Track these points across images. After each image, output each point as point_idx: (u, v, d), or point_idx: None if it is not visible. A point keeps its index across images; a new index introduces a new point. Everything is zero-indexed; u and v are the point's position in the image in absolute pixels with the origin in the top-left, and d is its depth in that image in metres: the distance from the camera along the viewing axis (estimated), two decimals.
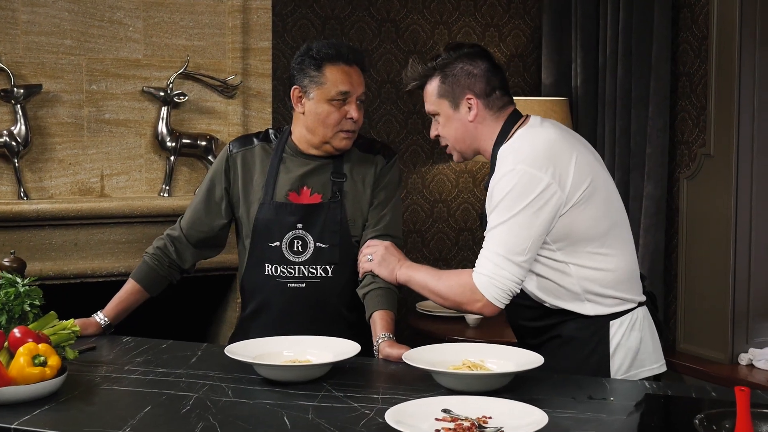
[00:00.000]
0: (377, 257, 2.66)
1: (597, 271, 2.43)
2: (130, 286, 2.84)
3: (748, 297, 4.00)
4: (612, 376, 2.43)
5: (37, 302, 2.41)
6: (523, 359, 2.26)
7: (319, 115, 2.74)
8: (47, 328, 2.33)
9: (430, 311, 4.29)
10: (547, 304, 2.48)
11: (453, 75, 2.52)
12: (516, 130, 2.50)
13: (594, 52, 4.51)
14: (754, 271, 4.00)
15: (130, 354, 2.56)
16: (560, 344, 2.47)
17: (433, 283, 2.51)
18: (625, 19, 4.28)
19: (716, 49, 3.98)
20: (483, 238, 2.44)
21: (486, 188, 2.51)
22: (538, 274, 2.45)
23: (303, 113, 2.77)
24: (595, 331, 2.45)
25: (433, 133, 2.63)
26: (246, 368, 2.33)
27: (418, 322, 4.26)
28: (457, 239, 4.82)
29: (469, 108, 2.52)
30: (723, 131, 3.96)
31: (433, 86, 2.55)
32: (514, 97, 4.38)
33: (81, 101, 3.58)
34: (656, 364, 2.50)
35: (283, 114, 4.35)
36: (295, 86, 2.78)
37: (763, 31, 3.91)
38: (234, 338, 2.85)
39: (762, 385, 3.74)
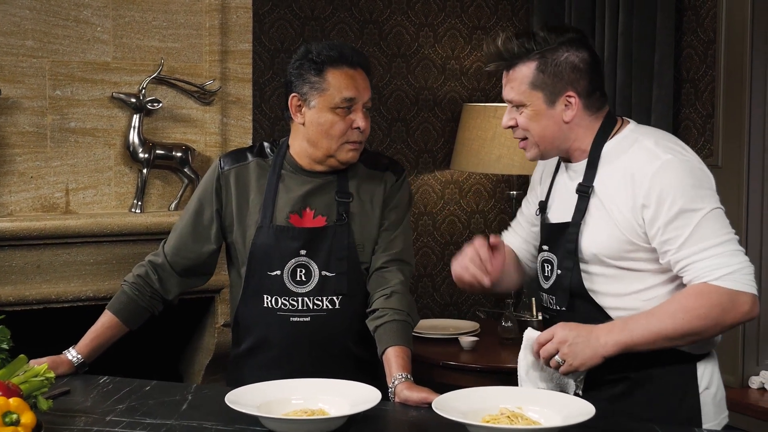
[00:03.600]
0: (565, 348, 2.07)
1: None
2: (106, 318, 2.53)
3: (759, 316, 3.78)
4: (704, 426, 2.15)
5: (5, 345, 2.09)
6: (569, 408, 1.98)
7: (321, 125, 2.45)
8: (16, 376, 2.01)
9: (420, 333, 4.02)
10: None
11: (555, 64, 2.14)
12: (620, 129, 2.20)
13: None
14: (765, 290, 3.78)
15: (111, 400, 2.24)
16: (631, 388, 2.16)
17: (671, 323, 2.03)
18: (625, 22, 4.04)
19: (724, 53, 3.77)
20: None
21: (581, 192, 2.17)
22: (637, 290, 2.14)
23: (303, 124, 2.48)
24: (683, 373, 2.15)
25: (508, 122, 2.23)
26: (247, 417, 2.04)
27: None
28: (442, 254, 4.55)
29: (567, 106, 2.17)
30: (732, 141, 3.76)
31: (527, 72, 2.15)
32: (500, 104, 4.22)
33: (44, 108, 3.25)
34: (725, 413, 2.24)
35: (260, 122, 4.05)
36: (293, 94, 2.48)
37: None
38: (229, 379, 2.55)
39: None
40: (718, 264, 2.03)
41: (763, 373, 3.75)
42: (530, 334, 2.18)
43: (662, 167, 2.08)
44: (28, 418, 1.83)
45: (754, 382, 3.74)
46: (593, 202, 2.17)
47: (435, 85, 4.47)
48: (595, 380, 2.17)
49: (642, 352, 2.10)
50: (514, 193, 4.34)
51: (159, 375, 2.96)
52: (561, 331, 2.08)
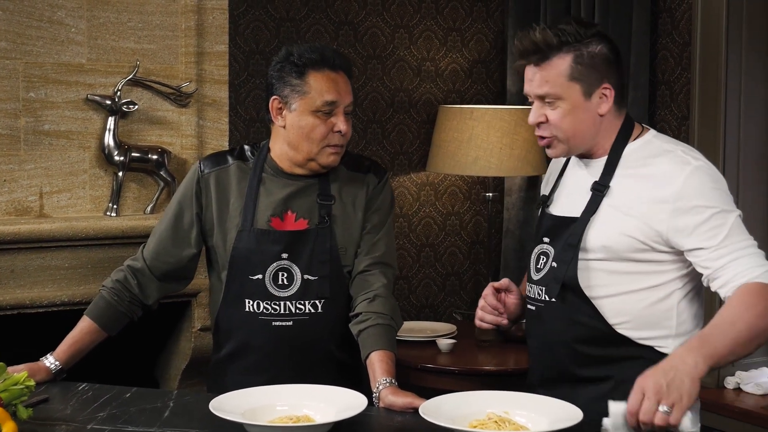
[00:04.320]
0: (664, 394, 1.84)
1: (693, 305, 2.18)
2: (85, 324, 2.49)
3: None
4: None
5: None
6: (557, 412, 1.97)
7: (302, 128, 2.43)
8: None
9: (397, 336, 4.00)
10: (621, 330, 2.15)
11: (591, 56, 2.13)
12: (641, 133, 2.22)
13: None
14: None
15: (91, 407, 2.21)
16: (614, 388, 2.15)
17: (743, 326, 1.95)
18: (601, 24, 4.05)
19: (700, 55, 3.79)
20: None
21: (596, 190, 2.17)
22: (632, 290, 2.16)
23: (284, 127, 2.46)
24: None
25: (537, 119, 2.19)
26: (232, 424, 2.01)
27: None
28: (418, 256, 4.54)
29: (602, 99, 2.16)
30: (707, 143, 3.77)
31: (563, 64, 2.13)
32: (476, 106, 4.22)
33: (17, 110, 3.20)
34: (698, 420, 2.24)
35: (236, 124, 4.02)
36: (274, 97, 2.46)
37: (751, 35, 3.74)
38: (210, 384, 2.52)
39: (750, 410, 3.57)
40: (755, 263, 2.05)
41: (738, 373, 3.77)
42: (617, 409, 1.88)
43: (694, 171, 2.11)
44: (9, 428, 1.81)
45: (730, 382, 3.76)
46: (607, 201, 2.17)
47: (410, 87, 4.46)
48: (581, 380, 2.17)
49: (624, 355, 2.12)
50: (490, 194, 4.33)
51: (134, 380, 2.93)
52: (648, 381, 1.86)
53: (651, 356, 2.15)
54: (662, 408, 1.83)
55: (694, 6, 3.80)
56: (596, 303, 2.17)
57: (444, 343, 3.85)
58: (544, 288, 2.24)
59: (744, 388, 3.72)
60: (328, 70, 2.45)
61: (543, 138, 2.22)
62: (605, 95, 2.16)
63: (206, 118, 3.46)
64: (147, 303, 2.55)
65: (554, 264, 2.21)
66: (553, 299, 2.21)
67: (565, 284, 2.19)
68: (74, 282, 3.23)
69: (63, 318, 2.88)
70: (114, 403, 2.23)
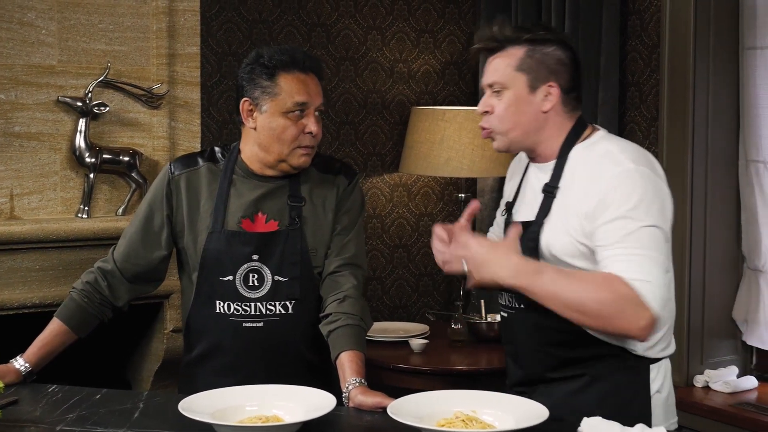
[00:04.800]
0: (474, 258, 2.05)
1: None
2: (54, 326, 2.49)
3: (703, 316, 3.85)
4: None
5: None
6: (523, 411, 2.00)
7: (273, 130, 2.44)
8: None
9: (370, 336, 3.99)
10: (591, 331, 2.15)
11: (543, 53, 2.19)
12: (590, 135, 2.23)
13: None
14: (709, 290, 3.85)
15: (60, 409, 2.21)
16: (587, 384, 2.20)
17: (572, 292, 1.97)
18: (571, 26, 4.08)
19: (668, 57, 3.82)
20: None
21: (546, 192, 2.20)
22: None
23: (255, 128, 2.47)
24: (636, 374, 2.19)
25: (483, 107, 2.25)
26: (201, 425, 2.02)
27: None
28: (391, 256, 4.56)
29: (547, 96, 2.20)
30: (676, 144, 3.81)
31: (515, 54, 2.20)
32: (448, 107, 4.24)
33: None
34: (675, 418, 2.28)
35: (208, 126, 4.02)
36: (244, 98, 2.47)
37: (719, 38, 3.77)
38: (181, 386, 2.52)
39: (718, 408, 3.60)
40: (640, 269, 1.99)
41: (707, 371, 3.80)
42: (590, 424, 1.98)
43: (621, 173, 2.10)
44: None
45: (699, 380, 3.79)
46: (557, 202, 2.20)
47: (383, 89, 4.47)
48: (555, 377, 2.21)
49: (595, 354, 2.14)
50: (463, 195, 4.36)
51: (106, 382, 2.92)
52: (477, 248, 2.06)
53: (622, 354, 2.18)
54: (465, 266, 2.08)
55: (663, 8, 3.83)
56: None
57: (416, 343, 3.87)
58: (513, 295, 2.26)
59: (713, 386, 3.75)
60: (299, 71, 2.46)
61: (484, 129, 2.27)
62: (550, 93, 2.20)
63: (178, 120, 3.46)
64: (117, 305, 2.55)
65: None
66: (522, 305, 2.24)
67: None
68: (45, 284, 3.22)
69: (34, 320, 2.87)
70: (84, 405, 2.24)
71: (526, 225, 2.23)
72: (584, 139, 2.23)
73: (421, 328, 4.11)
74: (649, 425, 2.17)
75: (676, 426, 2.29)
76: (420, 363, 3.75)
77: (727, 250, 3.86)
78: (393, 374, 3.70)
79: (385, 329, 4.07)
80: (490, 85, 2.24)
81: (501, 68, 2.21)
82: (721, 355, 3.88)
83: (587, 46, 4.04)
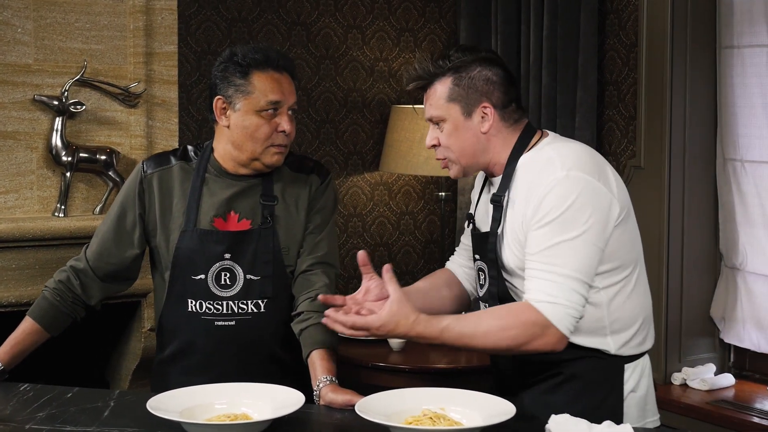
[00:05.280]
0: (377, 334, 2.16)
1: (627, 303, 2.19)
2: (27, 325, 2.49)
3: (681, 314, 3.87)
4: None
5: None
6: (491, 408, 2.00)
7: (246, 128, 2.44)
8: None
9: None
10: None
11: (469, 78, 2.22)
12: (537, 142, 2.25)
13: (516, 58, 4.31)
14: (687, 288, 3.87)
15: (31, 407, 2.21)
16: (562, 382, 2.21)
17: (482, 336, 2.10)
18: (549, 26, 4.10)
19: (646, 56, 3.84)
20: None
21: (495, 202, 2.23)
22: None
23: (228, 127, 2.47)
24: (610, 373, 2.20)
25: (430, 141, 2.30)
26: (170, 423, 2.02)
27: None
28: (372, 255, 4.56)
29: (483, 118, 2.23)
30: (654, 142, 3.83)
31: (443, 87, 2.24)
32: None
33: None
34: (655, 416, 2.28)
35: (187, 124, 4.02)
36: (217, 96, 2.47)
37: (695, 38, 3.79)
38: (153, 384, 2.52)
39: (696, 405, 3.62)
40: (550, 290, 2.08)
41: (685, 369, 3.82)
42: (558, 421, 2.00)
43: (552, 181, 2.13)
44: None
45: (677, 378, 3.81)
46: (510, 213, 2.22)
47: (363, 87, 4.48)
48: (532, 373, 2.23)
49: (569, 357, 2.17)
50: (443, 194, 4.37)
51: (84, 381, 2.92)
52: (385, 324, 2.14)
53: (597, 355, 2.20)
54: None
55: (640, 7, 3.85)
56: None
57: (395, 342, 3.88)
58: (487, 304, 2.29)
59: (690, 384, 3.77)
60: (272, 70, 2.46)
61: (439, 160, 2.33)
62: (485, 113, 2.23)
63: (155, 119, 3.46)
64: (90, 303, 2.55)
65: (490, 280, 2.27)
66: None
67: (501, 299, 2.25)
68: (21, 283, 3.22)
69: (10, 319, 2.86)
70: (54, 403, 2.23)
71: (485, 236, 2.27)
72: (531, 147, 2.25)
73: None
74: (619, 423, 2.18)
75: (657, 424, 2.30)
76: (399, 361, 3.75)
77: (705, 249, 3.88)
78: (372, 372, 3.70)
79: None
80: (430, 120, 2.29)
81: (434, 103, 2.26)
82: (698, 352, 3.90)
83: (566, 45, 4.05)
